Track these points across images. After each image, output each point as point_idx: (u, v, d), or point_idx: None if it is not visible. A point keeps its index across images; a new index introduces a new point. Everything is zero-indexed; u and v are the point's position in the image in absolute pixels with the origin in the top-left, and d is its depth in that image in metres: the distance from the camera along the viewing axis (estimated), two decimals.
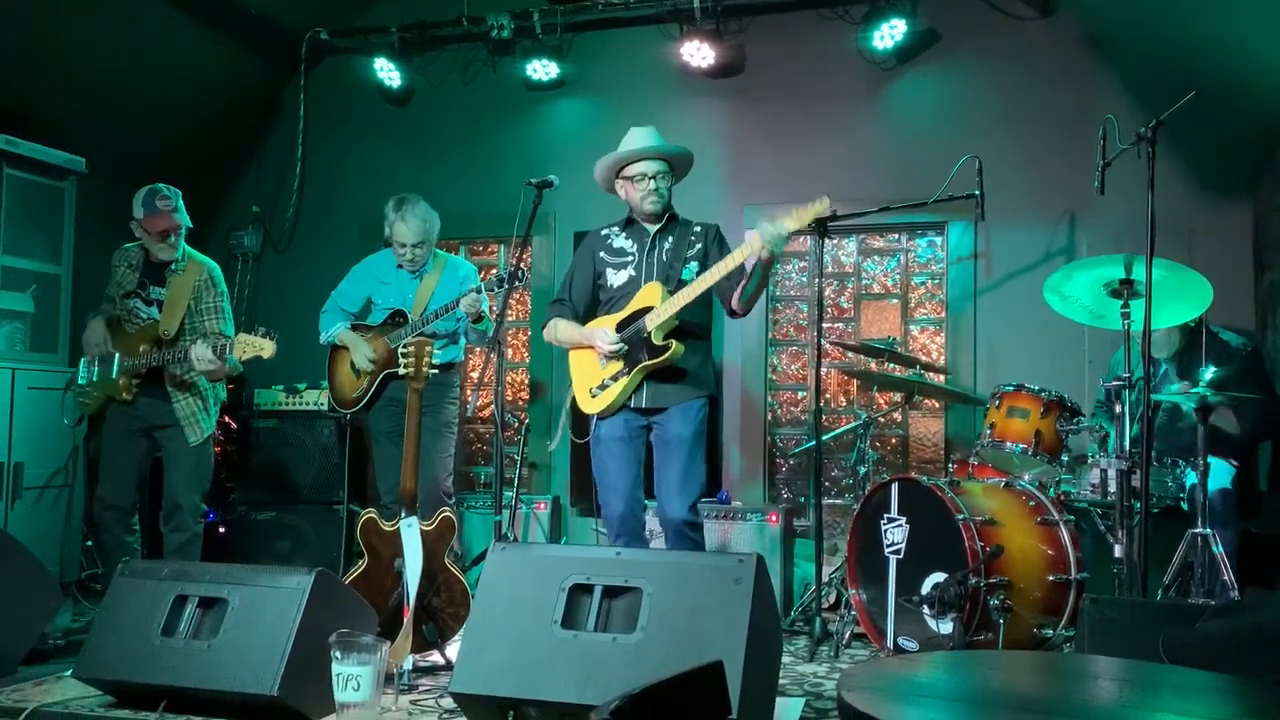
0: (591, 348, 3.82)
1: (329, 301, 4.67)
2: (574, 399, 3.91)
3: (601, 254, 3.95)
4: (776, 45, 5.64)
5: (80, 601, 4.70)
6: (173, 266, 4.30)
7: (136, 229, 4.26)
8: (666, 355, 3.65)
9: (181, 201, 4.27)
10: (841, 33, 5.49)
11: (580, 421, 3.92)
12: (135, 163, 5.65)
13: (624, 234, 3.95)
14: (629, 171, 3.85)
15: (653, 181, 3.82)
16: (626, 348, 3.72)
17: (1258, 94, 4.34)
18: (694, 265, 3.81)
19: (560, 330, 3.94)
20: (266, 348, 3.95)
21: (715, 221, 3.99)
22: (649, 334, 3.68)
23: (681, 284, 3.74)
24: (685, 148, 3.92)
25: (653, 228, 3.90)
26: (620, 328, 3.76)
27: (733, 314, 3.89)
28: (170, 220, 4.20)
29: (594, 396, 3.81)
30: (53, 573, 4.39)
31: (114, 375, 4.20)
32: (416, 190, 4.59)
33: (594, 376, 3.81)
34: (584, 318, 3.95)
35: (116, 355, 4.21)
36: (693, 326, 3.81)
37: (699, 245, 3.86)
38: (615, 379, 3.74)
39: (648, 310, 3.72)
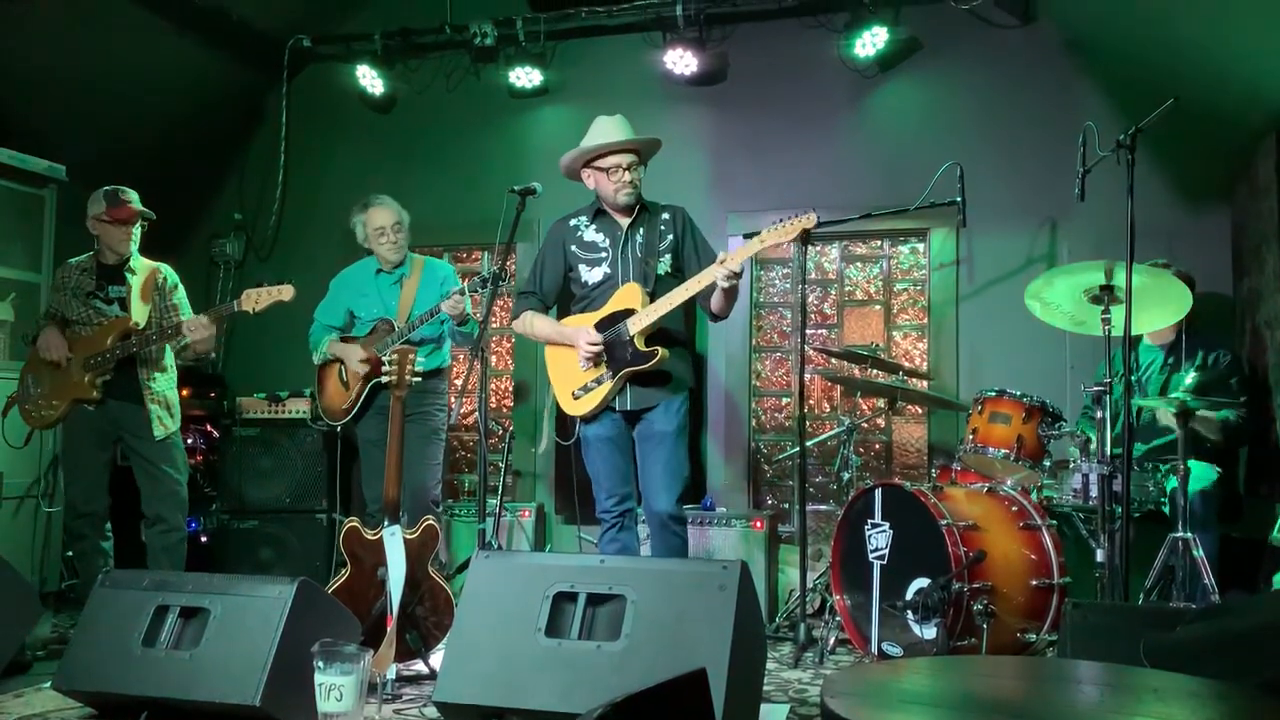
0: (569, 346, 3.80)
1: (314, 322, 4.66)
2: (556, 401, 3.90)
3: (573, 248, 3.89)
4: (759, 53, 5.65)
5: (60, 612, 4.66)
6: (130, 264, 4.33)
7: (95, 225, 4.28)
8: (655, 362, 3.64)
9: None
10: (824, 41, 5.51)
11: (563, 423, 3.92)
12: (117, 171, 5.57)
13: (593, 226, 3.89)
14: (602, 163, 3.80)
15: (627, 173, 3.77)
16: (605, 351, 3.71)
17: (1236, 101, 4.37)
18: (668, 259, 3.80)
19: (536, 325, 3.91)
20: (285, 292, 4.04)
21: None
22: (632, 338, 3.66)
23: (658, 279, 3.75)
24: (655, 137, 3.90)
25: (624, 220, 3.85)
26: (600, 327, 3.74)
27: (713, 318, 3.89)
28: (132, 210, 4.26)
29: (576, 399, 3.79)
30: (32, 583, 4.36)
31: (75, 377, 4.17)
32: (400, 197, 4.60)
33: (575, 378, 3.79)
34: (556, 310, 3.94)
35: (71, 359, 4.18)
36: (672, 328, 3.81)
37: (670, 236, 3.84)
38: (599, 382, 3.73)
39: (628, 312, 3.70)
